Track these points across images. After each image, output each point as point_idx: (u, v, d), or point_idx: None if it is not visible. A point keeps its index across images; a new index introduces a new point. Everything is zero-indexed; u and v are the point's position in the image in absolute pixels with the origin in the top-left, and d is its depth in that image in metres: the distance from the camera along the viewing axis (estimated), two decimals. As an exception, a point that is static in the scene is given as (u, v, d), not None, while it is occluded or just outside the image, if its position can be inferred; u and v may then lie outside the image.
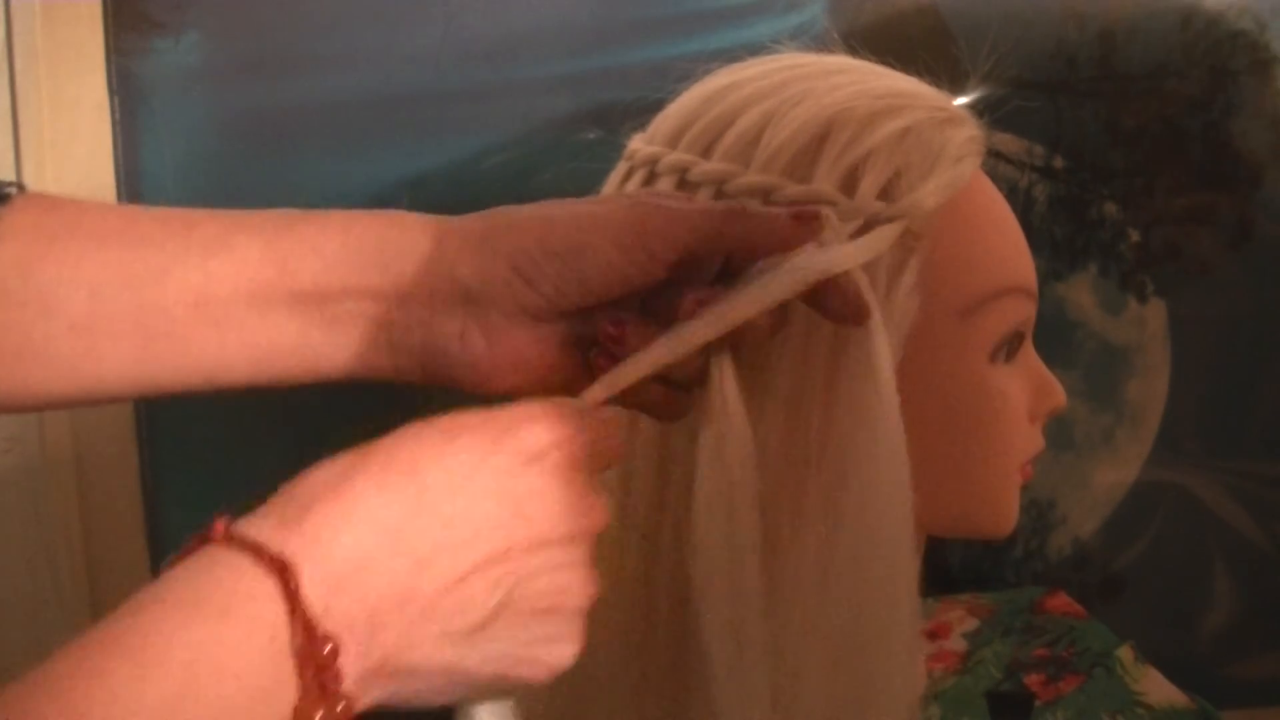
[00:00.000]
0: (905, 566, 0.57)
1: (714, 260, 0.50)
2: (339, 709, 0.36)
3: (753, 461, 0.51)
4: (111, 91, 0.99)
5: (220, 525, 0.38)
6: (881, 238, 0.55)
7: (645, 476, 0.56)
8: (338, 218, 0.49)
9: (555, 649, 0.43)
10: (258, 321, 0.47)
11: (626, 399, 0.49)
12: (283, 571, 0.36)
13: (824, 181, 0.55)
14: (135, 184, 1.00)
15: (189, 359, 0.47)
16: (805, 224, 0.51)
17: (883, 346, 0.52)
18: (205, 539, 0.38)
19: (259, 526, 0.38)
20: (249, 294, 0.47)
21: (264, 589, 0.36)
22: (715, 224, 0.49)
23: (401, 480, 0.39)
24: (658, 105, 0.63)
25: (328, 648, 0.35)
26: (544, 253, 0.47)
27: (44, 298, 0.45)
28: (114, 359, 0.46)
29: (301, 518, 0.38)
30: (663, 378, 0.49)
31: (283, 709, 0.35)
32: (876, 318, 0.52)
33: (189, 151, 1.01)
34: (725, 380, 0.50)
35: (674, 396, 0.51)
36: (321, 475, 0.40)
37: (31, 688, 0.32)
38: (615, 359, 0.49)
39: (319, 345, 0.49)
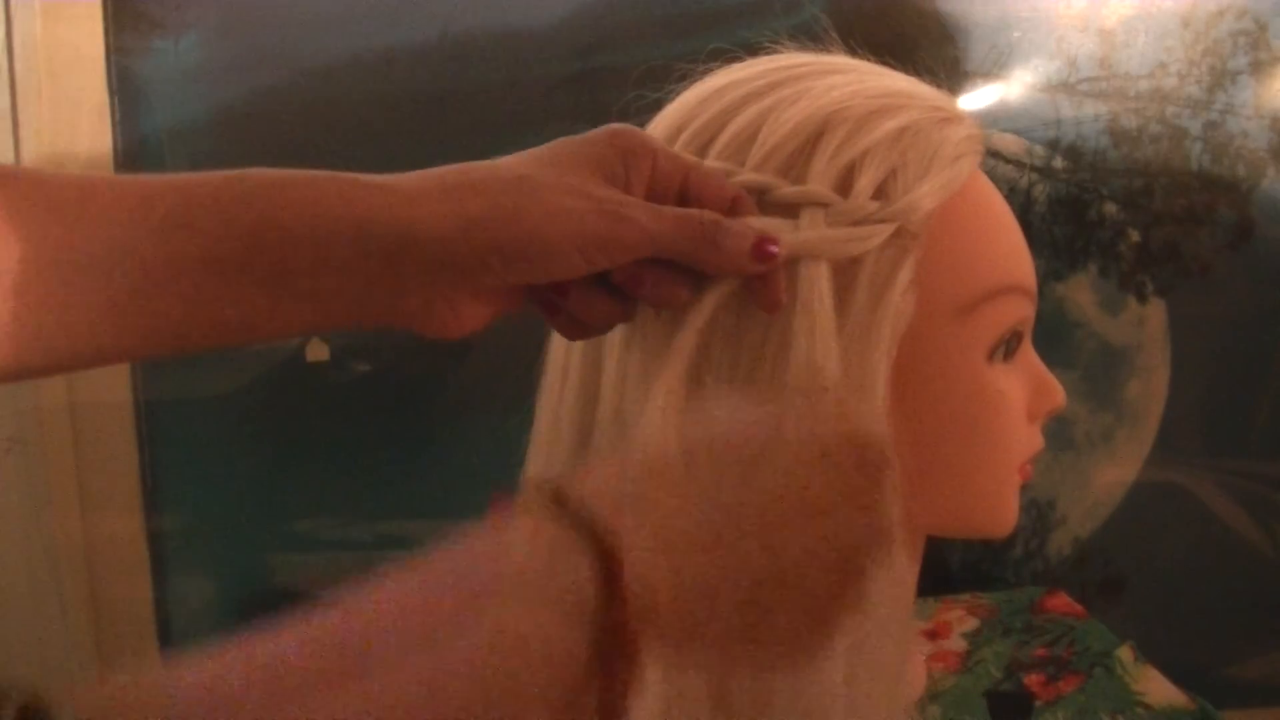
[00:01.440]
0: (893, 569, 0.57)
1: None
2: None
3: None
4: (111, 91, 0.99)
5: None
6: (868, 235, 0.55)
7: None
8: (301, 187, 0.50)
9: None
10: (225, 293, 0.47)
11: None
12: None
13: (818, 181, 0.55)
14: (135, 184, 1.00)
15: (156, 329, 0.47)
16: (763, 260, 0.53)
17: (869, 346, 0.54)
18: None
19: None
20: (215, 269, 0.47)
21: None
22: (680, 245, 0.51)
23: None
24: (657, 105, 0.63)
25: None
26: (515, 254, 0.49)
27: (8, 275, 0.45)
28: (86, 332, 0.46)
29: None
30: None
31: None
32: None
33: (189, 152, 1.01)
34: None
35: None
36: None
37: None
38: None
39: (288, 313, 0.49)
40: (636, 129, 0.53)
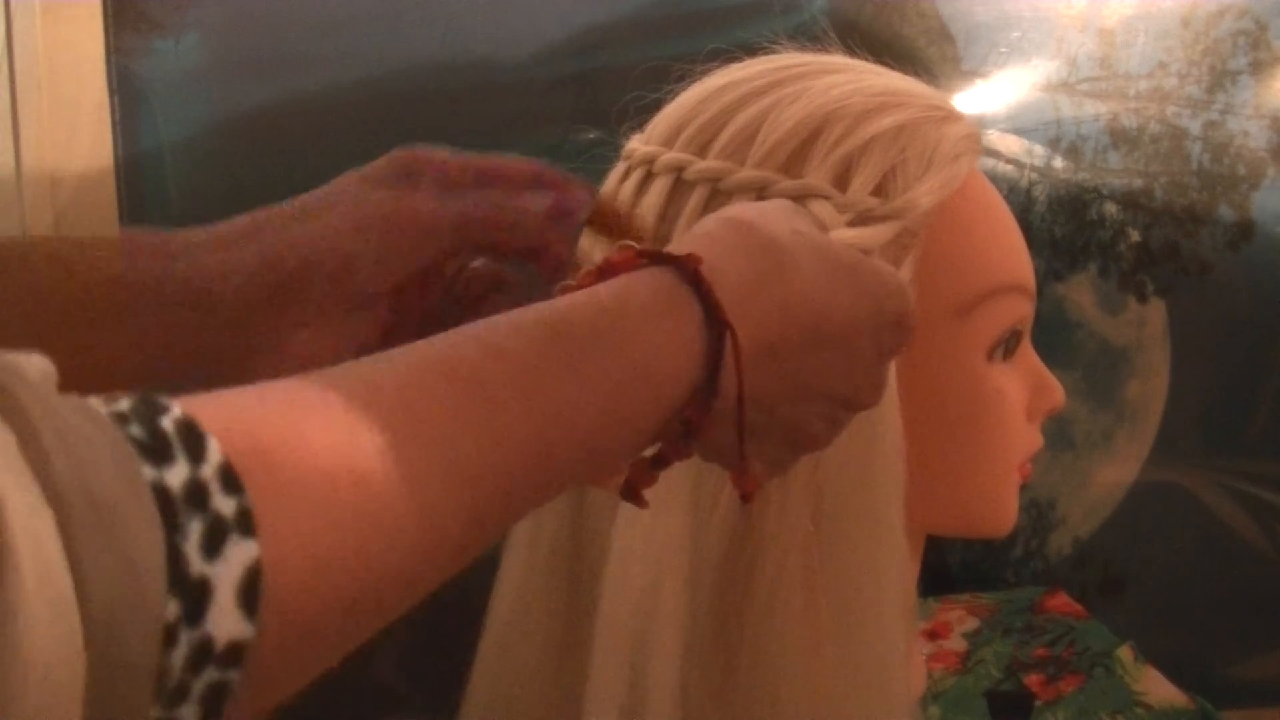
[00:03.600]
0: (896, 565, 0.57)
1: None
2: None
3: None
4: (111, 91, 0.99)
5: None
6: (874, 235, 0.55)
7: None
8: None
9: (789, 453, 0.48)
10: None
11: None
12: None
13: (816, 175, 0.55)
14: (135, 184, 1.00)
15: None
16: (561, 220, 0.52)
17: None
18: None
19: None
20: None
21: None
22: (466, 233, 0.51)
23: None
24: (657, 105, 0.63)
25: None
26: (317, 276, 0.49)
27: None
28: None
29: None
30: None
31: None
32: None
33: (189, 151, 1.01)
34: None
35: None
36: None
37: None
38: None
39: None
40: (416, 148, 0.53)
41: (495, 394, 0.36)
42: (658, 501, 0.52)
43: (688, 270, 0.42)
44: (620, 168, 0.63)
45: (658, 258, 0.43)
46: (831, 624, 0.55)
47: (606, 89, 1.02)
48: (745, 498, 0.47)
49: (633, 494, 0.46)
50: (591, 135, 1.01)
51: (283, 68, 1.01)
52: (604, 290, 0.42)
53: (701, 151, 0.58)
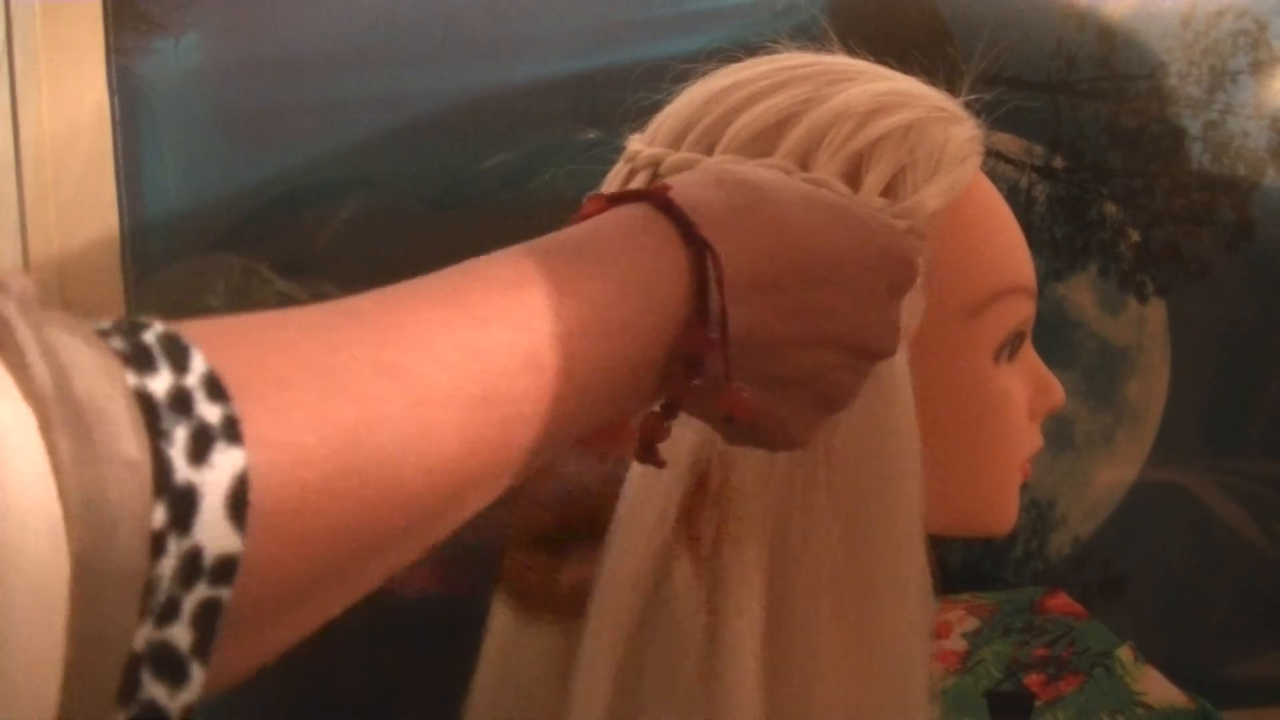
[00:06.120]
0: (917, 568, 0.57)
1: None
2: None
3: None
4: (111, 91, 0.99)
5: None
6: None
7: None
8: None
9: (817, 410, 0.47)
10: None
11: None
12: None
13: (824, 170, 0.55)
14: (135, 184, 1.00)
15: None
16: None
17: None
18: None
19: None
20: None
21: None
22: None
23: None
24: (657, 105, 0.63)
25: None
26: None
27: None
28: None
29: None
30: None
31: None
32: None
33: (189, 151, 1.01)
34: None
35: None
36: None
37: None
38: None
39: None
40: None
41: (480, 312, 0.35)
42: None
43: (658, 200, 0.42)
44: (623, 169, 0.63)
45: (626, 197, 0.43)
46: (855, 631, 0.55)
47: (606, 89, 1.02)
48: (731, 424, 0.45)
49: (648, 451, 0.44)
50: (591, 135, 1.00)
51: (283, 68, 1.01)
52: (577, 226, 0.41)
53: (709, 152, 0.58)
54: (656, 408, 0.43)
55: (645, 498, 0.54)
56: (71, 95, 0.98)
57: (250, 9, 1.00)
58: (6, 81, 0.97)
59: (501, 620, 0.63)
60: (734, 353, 0.42)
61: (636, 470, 0.54)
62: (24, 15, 0.97)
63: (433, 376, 0.33)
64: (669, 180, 0.44)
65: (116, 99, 0.99)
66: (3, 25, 0.97)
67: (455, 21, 1.02)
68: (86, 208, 0.98)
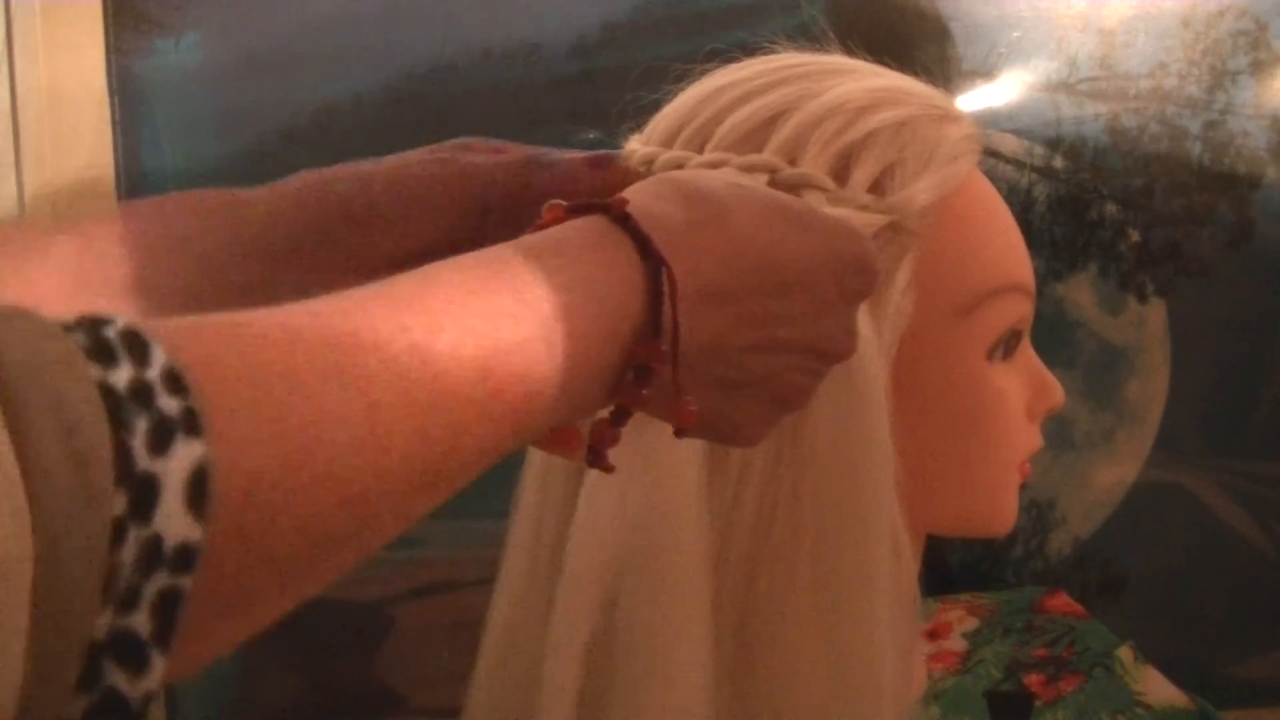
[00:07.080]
0: (887, 569, 0.57)
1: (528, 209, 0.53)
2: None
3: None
4: (111, 91, 0.99)
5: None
6: (864, 224, 0.55)
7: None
8: (147, 215, 0.53)
9: (769, 412, 0.48)
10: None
11: None
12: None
13: (813, 165, 0.55)
14: (135, 184, 1.00)
15: None
16: (599, 167, 0.55)
17: (864, 345, 0.53)
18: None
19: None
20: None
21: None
22: (516, 175, 0.54)
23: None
24: (657, 105, 0.63)
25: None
26: (351, 222, 0.52)
27: None
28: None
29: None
30: None
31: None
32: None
33: (189, 151, 1.01)
34: None
35: None
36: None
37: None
38: None
39: None
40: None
41: (436, 319, 0.36)
42: (670, 509, 0.52)
43: (616, 213, 0.42)
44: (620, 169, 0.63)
45: (585, 208, 0.43)
46: (821, 626, 0.55)
47: (606, 89, 1.02)
48: (679, 432, 0.46)
49: (597, 457, 0.45)
50: (591, 135, 1.01)
51: (283, 68, 1.01)
52: (536, 235, 0.42)
53: (700, 150, 0.58)
54: (606, 413, 0.44)
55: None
56: (71, 95, 0.98)
57: (249, 9, 1.00)
58: (6, 81, 0.97)
59: (501, 613, 0.63)
60: (686, 362, 0.43)
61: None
62: (24, 15, 0.97)
63: (385, 380, 0.34)
64: (628, 192, 0.45)
65: (116, 99, 0.99)
66: (3, 25, 0.97)
67: (455, 21, 1.02)
68: (86, 207, 0.98)
